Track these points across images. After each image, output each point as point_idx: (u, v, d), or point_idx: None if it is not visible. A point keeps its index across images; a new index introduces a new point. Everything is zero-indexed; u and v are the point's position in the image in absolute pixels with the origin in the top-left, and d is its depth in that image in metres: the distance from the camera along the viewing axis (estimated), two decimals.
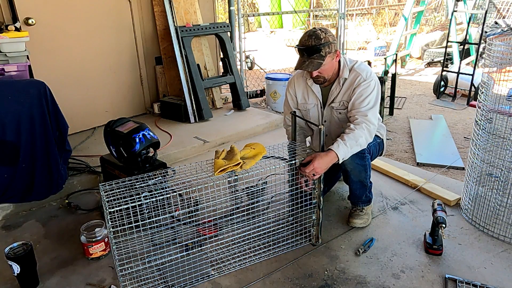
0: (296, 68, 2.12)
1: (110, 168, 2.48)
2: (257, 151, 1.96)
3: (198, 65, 3.98)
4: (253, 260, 2.01)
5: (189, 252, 2.01)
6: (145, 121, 2.79)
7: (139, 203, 1.63)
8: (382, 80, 3.64)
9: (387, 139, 3.81)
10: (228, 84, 4.32)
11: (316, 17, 12.35)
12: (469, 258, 2.01)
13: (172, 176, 1.95)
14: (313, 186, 2.01)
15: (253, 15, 8.43)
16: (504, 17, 7.79)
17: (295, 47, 2.15)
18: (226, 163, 1.84)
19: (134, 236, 1.73)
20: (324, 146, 1.99)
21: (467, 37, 6.15)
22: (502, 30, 5.98)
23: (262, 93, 5.22)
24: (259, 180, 2.25)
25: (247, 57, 6.59)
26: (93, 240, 2.03)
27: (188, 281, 1.85)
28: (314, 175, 1.92)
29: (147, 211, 1.69)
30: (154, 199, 1.66)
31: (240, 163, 1.84)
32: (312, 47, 2.03)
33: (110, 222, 1.66)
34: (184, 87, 3.87)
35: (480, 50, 5.41)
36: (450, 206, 2.45)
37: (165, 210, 1.87)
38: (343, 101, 2.19)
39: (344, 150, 1.97)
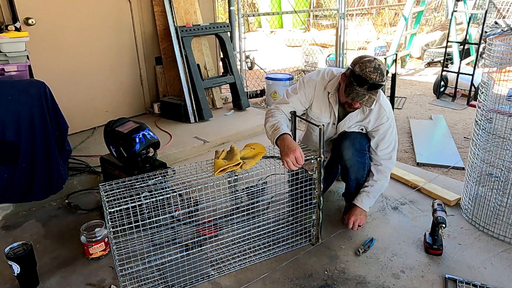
0: (352, 99, 1.97)
1: (110, 168, 2.48)
2: (257, 151, 1.96)
3: (198, 65, 3.98)
4: (253, 260, 2.01)
5: (189, 252, 2.00)
6: (145, 121, 2.79)
7: (139, 203, 1.63)
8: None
9: None
10: (228, 84, 4.32)
11: (316, 17, 12.37)
12: (469, 258, 2.01)
13: (172, 176, 1.95)
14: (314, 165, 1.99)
15: (253, 15, 8.43)
16: (504, 17, 7.80)
17: (363, 77, 1.90)
18: (226, 163, 1.84)
19: (134, 236, 1.73)
20: (324, 146, 1.99)
21: (467, 37, 6.16)
22: (502, 30, 5.99)
23: (262, 93, 5.22)
24: (259, 180, 2.25)
25: (247, 57, 6.58)
26: (93, 240, 2.03)
27: (188, 281, 1.85)
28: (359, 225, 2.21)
29: (147, 211, 1.69)
30: (154, 199, 1.66)
31: (240, 163, 1.84)
32: (379, 85, 1.93)
33: (110, 222, 1.66)
34: (184, 87, 3.87)
35: (480, 50, 5.41)
36: (450, 206, 2.45)
37: (165, 210, 1.87)
38: (362, 126, 2.20)
39: (368, 201, 2.21)
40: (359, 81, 1.92)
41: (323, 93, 2.18)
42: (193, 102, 3.90)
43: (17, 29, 2.66)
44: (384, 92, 4.12)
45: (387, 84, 4.50)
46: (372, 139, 2.22)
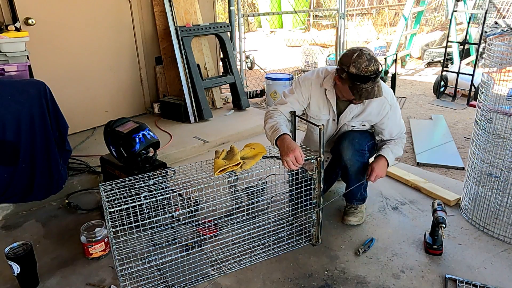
0: (366, 98, 1.95)
1: (110, 168, 2.48)
2: (257, 151, 1.96)
3: (198, 65, 3.98)
4: (253, 260, 2.01)
5: (189, 252, 2.00)
6: (145, 121, 2.79)
7: (139, 203, 1.63)
8: (382, 80, 3.64)
9: None
10: (228, 84, 4.32)
11: (316, 17, 12.36)
12: (469, 258, 2.01)
13: (172, 176, 1.95)
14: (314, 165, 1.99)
15: (253, 15, 8.43)
16: (504, 17, 7.79)
17: (363, 75, 1.87)
18: (226, 163, 1.84)
19: (134, 236, 1.73)
20: (324, 146, 1.99)
21: (467, 37, 6.15)
22: (502, 30, 5.98)
23: (262, 93, 5.22)
24: (259, 180, 2.25)
25: (247, 57, 6.58)
26: (93, 240, 2.03)
27: (188, 281, 1.85)
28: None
29: (147, 211, 1.69)
30: (154, 199, 1.66)
31: (240, 163, 1.84)
32: (379, 72, 1.90)
33: (110, 222, 1.66)
34: (184, 87, 3.87)
35: (480, 50, 5.41)
36: (450, 206, 2.45)
37: (165, 210, 1.87)
38: (364, 121, 2.20)
39: (391, 157, 2.22)
40: (362, 80, 1.89)
41: (320, 91, 2.18)
42: (193, 102, 3.90)
43: (17, 29, 2.66)
44: None
45: (387, 84, 4.50)
46: (383, 131, 2.24)
